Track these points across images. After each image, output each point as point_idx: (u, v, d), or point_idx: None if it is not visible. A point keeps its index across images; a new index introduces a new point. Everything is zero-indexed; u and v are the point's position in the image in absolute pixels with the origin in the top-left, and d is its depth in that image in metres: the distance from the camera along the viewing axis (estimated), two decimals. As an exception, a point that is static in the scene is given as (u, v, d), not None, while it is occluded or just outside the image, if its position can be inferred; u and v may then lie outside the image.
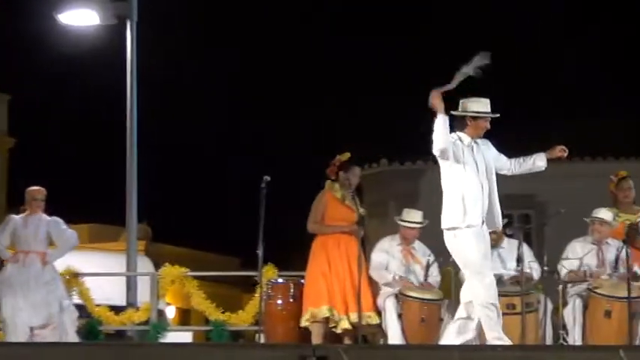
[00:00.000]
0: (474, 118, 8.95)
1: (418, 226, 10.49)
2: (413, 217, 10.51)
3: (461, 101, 9.02)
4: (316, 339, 9.98)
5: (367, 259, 10.42)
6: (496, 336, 8.72)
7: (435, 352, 8.53)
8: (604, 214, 10.32)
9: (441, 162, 8.96)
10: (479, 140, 9.03)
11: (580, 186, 11.54)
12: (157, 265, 13.41)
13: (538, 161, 9.14)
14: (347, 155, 10.54)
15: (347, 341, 9.96)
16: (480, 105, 8.98)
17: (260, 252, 10.21)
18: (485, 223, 8.86)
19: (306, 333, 10.13)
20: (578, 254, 10.21)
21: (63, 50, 18.65)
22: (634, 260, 10.08)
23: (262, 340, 10.29)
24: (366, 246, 10.29)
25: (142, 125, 14.15)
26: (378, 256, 10.42)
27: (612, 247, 10.26)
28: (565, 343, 9.78)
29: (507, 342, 8.69)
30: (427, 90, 8.78)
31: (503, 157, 9.15)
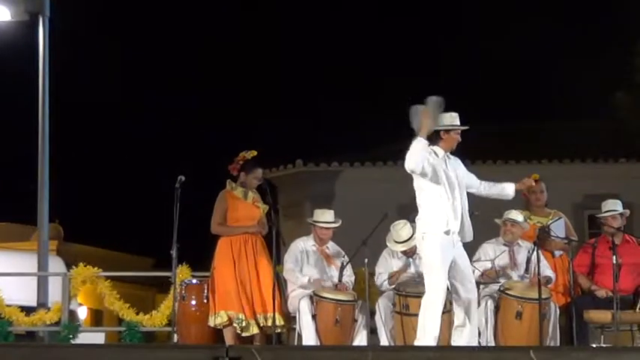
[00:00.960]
0: (447, 131, 9.18)
1: (331, 226, 10.48)
2: (326, 217, 10.51)
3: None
4: (229, 340, 9.94)
5: (281, 259, 10.41)
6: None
7: (349, 353, 8.57)
8: (515, 215, 10.45)
9: (414, 175, 9.16)
10: (451, 156, 9.27)
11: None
12: (69, 265, 13.21)
13: (507, 190, 9.47)
14: (253, 153, 10.35)
15: (259, 342, 9.93)
16: (452, 118, 9.23)
17: (174, 252, 10.12)
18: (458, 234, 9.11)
19: (220, 334, 10.08)
20: (489, 256, 10.32)
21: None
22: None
23: (176, 341, 10.21)
24: (280, 246, 10.25)
25: (54, 123, 13.96)
26: (292, 257, 10.40)
27: (523, 249, 10.38)
28: (477, 344, 9.88)
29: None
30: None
31: (472, 176, 9.43)
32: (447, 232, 9.03)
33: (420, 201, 9.17)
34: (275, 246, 10.04)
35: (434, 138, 9.17)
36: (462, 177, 9.26)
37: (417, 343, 8.97)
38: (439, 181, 9.06)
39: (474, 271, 10.21)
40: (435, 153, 9.15)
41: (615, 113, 18.82)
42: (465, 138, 9.30)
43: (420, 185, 9.14)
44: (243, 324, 9.91)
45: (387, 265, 10.46)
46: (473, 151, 9.49)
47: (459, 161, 9.35)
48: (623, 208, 10.48)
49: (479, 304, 10.03)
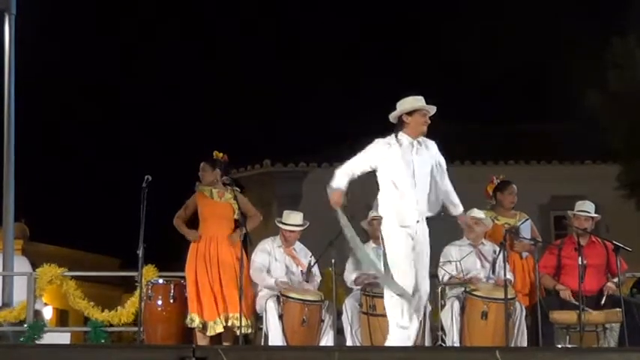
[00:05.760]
0: (409, 114, 8.97)
1: (298, 228, 10.51)
2: (293, 219, 10.53)
3: (395, 112, 9.06)
4: (200, 341, 9.99)
5: (249, 259, 10.42)
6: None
7: (315, 354, 8.56)
8: (477, 213, 10.48)
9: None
10: (428, 142, 9.06)
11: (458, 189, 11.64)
12: (35, 265, 13.12)
13: (453, 209, 9.25)
14: (218, 155, 10.59)
15: (226, 342, 9.94)
16: (415, 101, 9.01)
17: (140, 252, 10.10)
18: (419, 219, 8.94)
19: (187, 333, 10.08)
20: (453, 257, 10.33)
21: None
22: (510, 264, 10.27)
23: (142, 341, 10.20)
24: (247, 246, 10.28)
25: (20, 122, 13.86)
26: (259, 257, 10.41)
27: (489, 248, 10.42)
28: (443, 345, 9.91)
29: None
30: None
31: (446, 178, 9.15)
32: (407, 227, 8.86)
33: (380, 188, 9.02)
34: (242, 246, 10.11)
35: (398, 124, 9.01)
36: (434, 162, 9.05)
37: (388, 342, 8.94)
38: (393, 168, 8.88)
39: (441, 273, 10.25)
40: (399, 141, 8.95)
41: (584, 114, 18.93)
42: (431, 139, 9.20)
43: (380, 181, 9.00)
44: (194, 324, 9.97)
45: (356, 262, 10.45)
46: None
47: (434, 146, 9.11)
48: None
49: (444, 304, 10.09)
